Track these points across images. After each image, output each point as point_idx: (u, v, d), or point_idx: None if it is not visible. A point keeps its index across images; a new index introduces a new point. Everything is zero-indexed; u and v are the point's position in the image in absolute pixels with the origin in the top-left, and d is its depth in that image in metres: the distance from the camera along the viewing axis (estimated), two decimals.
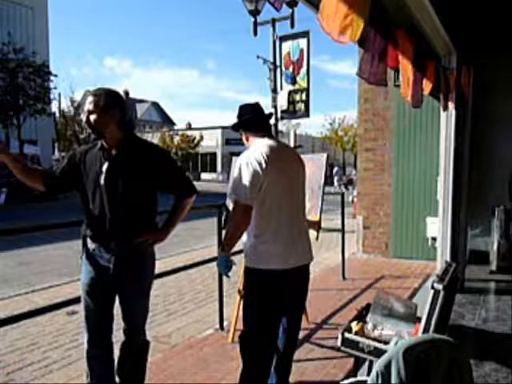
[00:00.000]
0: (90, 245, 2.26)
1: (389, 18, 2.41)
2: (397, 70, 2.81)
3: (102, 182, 2.17)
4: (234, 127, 2.44)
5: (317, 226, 3.35)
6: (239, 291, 3.43)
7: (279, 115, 10.53)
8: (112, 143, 2.21)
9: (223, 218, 3.67)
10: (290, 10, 10.01)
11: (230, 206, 2.38)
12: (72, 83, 55.80)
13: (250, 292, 2.28)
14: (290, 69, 10.14)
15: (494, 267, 5.17)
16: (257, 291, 2.23)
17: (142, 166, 2.18)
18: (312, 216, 3.42)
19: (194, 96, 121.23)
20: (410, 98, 2.94)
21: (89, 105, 2.16)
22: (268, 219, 2.19)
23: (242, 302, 2.44)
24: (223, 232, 3.44)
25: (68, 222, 2.38)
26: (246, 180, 2.12)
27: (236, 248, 2.28)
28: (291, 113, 10.27)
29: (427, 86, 3.45)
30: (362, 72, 2.24)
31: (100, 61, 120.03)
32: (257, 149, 2.21)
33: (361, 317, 2.58)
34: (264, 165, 2.12)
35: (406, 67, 2.77)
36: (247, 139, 2.40)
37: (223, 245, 2.24)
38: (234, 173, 2.20)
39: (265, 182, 2.13)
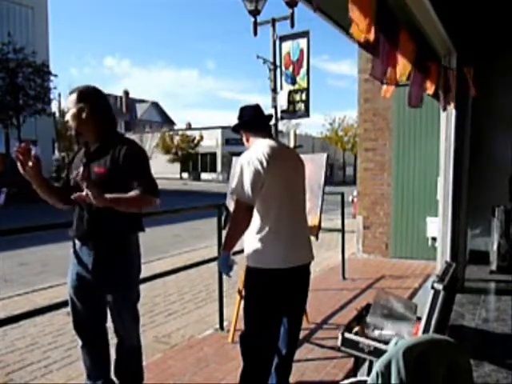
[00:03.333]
0: (77, 244, 2.26)
1: (393, 19, 2.41)
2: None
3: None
4: (235, 128, 2.46)
5: (316, 230, 3.34)
6: (239, 291, 3.43)
7: (279, 115, 10.52)
8: (92, 139, 2.23)
9: (223, 218, 3.67)
10: (290, 10, 10.01)
11: (231, 205, 2.39)
12: (72, 83, 55.67)
13: (251, 292, 2.27)
14: (290, 69, 10.14)
15: (494, 267, 5.17)
16: (258, 291, 2.23)
17: (116, 160, 2.13)
18: (312, 216, 3.42)
19: (193, 96, 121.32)
20: (389, 95, 2.94)
21: (67, 103, 2.25)
22: (269, 218, 2.19)
23: (242, 302, 2.44)
24: (223, 232, 3.44)
25: (68, 221, 2.37)
26: (247, 179, 2.13)
27: (236, 248, 2.28)
28: (291, 113, 10.27)
29: (430, 86, 3.45)
30: (375, 73, 2.24)
31: (100, 61, 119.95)
32: (258, 149, 2.22)
33: (361, 317, 2.58)
34: (265, 164, 2.13)
35: (400, 66, 2.75)
36: (248, 140, 2.41)
37: (224, 244, 2.26)
38: (236, 173, 2.21)
39: (266, 181, 2.15)
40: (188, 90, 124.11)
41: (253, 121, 2.39)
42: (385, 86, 2.89)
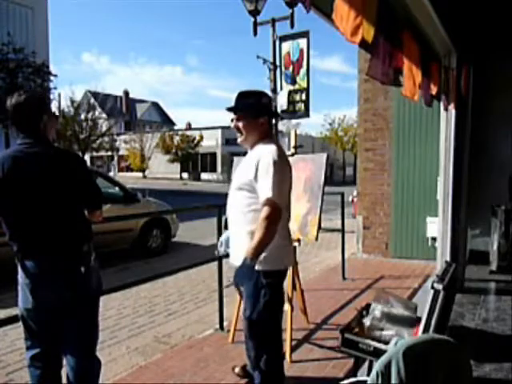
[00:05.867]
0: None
1: (395, 21, 2.41)
2: (399, 71, 2.80)
3: None
4: (260, 111, 2.14)
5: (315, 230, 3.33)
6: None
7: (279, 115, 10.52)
8: None
9: (223, 220, 3.65)
10: (290, 10, 10.00)
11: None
12: (72, 83, 55.56)
13: (273, 291, 2.19)
14: (290, 69, 10.13)
15: (494, 267, 5.17)
16: (276, 289, 2.22)
17: None
18: (312, 216, 3.42)
19: (180, 94, 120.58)
20: (416, 97, 2.92)
21: None
22: (284, 221, 2.20)
23: (242, 303, 2.41)
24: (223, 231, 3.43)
25: None
26: (282, 181, 2.07)
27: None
28: (291, 113, 10.25)
29: (434, 87, 3.45)
30: (373, 73, 2.23)
31: (77, 57, 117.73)
32: (279, 151, 2.12)
33: (361, 317, 2.58)
34: (288, 167, 2.17)
35: (412, 68, 2.76)
36: (264, 133, 2.16)
37: (257, 252, 2.02)
38: (270, 171, 2.02)
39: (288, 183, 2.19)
40: (174, 88, 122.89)
41: (273, 114, 2.18)
42: (403, 88, 2.86)
